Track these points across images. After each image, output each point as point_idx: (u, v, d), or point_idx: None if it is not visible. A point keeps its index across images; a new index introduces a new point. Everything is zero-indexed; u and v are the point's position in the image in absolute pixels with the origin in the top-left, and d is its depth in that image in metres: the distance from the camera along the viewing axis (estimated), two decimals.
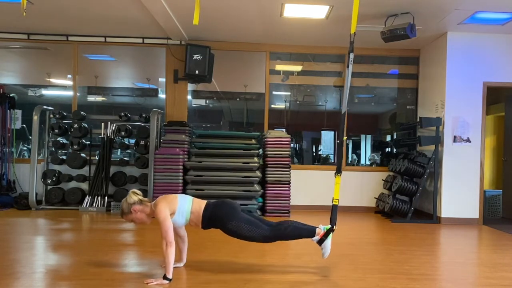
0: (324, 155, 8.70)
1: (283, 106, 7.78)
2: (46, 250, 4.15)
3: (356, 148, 9.72)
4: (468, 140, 6.14)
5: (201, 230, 3.32)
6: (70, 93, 7.13)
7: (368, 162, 8.69)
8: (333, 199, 3.40)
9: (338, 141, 3.65)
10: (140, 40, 7.00)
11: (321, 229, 3.27)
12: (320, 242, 3.27)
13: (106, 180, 6.50)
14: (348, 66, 3.52)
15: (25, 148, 7.67)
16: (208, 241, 4.38)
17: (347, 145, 7.58)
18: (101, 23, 6.32)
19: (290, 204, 6.27)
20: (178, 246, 3.40)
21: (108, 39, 6.98)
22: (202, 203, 3.25)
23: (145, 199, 3.22)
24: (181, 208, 3.16)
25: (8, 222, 5.44)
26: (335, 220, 3.34)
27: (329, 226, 3.29)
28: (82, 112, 6.69)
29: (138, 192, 3.22)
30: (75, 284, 3.00)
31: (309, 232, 3.27)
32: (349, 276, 3.34)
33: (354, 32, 3.48)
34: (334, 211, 3.37)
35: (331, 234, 3.27)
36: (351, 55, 3.50)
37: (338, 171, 3.43)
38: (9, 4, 5.56)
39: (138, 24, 6.26)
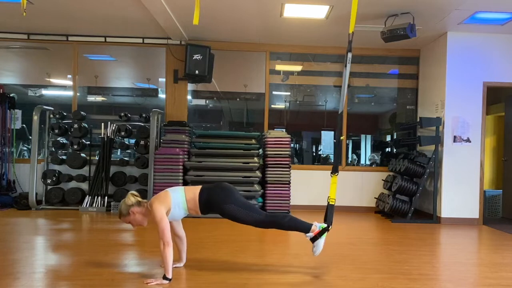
0: (324, 155, 8.70)
1: (283, 106, 7.78)
2: (46, 250, 4.15)
3: (356, 148, 9.71)
4: (468, 140, 6.14)
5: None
6: (70, 93, 7.13)
7: (368, 162, 8.69)
8: (328, 198, 3.37)
9: (335, 140, 3.66)
10: (140, 40, 7.00)
11: (316, 227, 3.26)
12: (314, 239, 3.25)
13: (106, 180, 6.50)
14: (346, 66, 3.50)
15: (25, 148, 7.67)
16: (208, 241, 4.38)
17: (347, 145, 7.57)
18: (101, 23, 6.32)
19: (290, 204, 6.27)
20: (177, 246, 3.40)
21: (108, 39, 6.98)
22: (196, 189, 3.24)
23: (143, 200, 3.21)
24: (175, 201, 3.13)
25: (8, 222, 5.44)
26: (331, 220, 3.33)
27: (325, 225, 3.27)
28: (82, 112, 6.68)
29: (136, 193, 3.21)
30: (75, 284, 3.00)
31: (304, 227, 3.28)
32: (349, 276, 3.33)
33: (353, 32, 3.49)
34: (330, 210, 3.36)
35: (325, 234, 3.26)
36: (349, 55, 3.49)
37: (335, 171, 3.41)
38: (9, 4, 5.57)
39: (138, 24, 6.27)
